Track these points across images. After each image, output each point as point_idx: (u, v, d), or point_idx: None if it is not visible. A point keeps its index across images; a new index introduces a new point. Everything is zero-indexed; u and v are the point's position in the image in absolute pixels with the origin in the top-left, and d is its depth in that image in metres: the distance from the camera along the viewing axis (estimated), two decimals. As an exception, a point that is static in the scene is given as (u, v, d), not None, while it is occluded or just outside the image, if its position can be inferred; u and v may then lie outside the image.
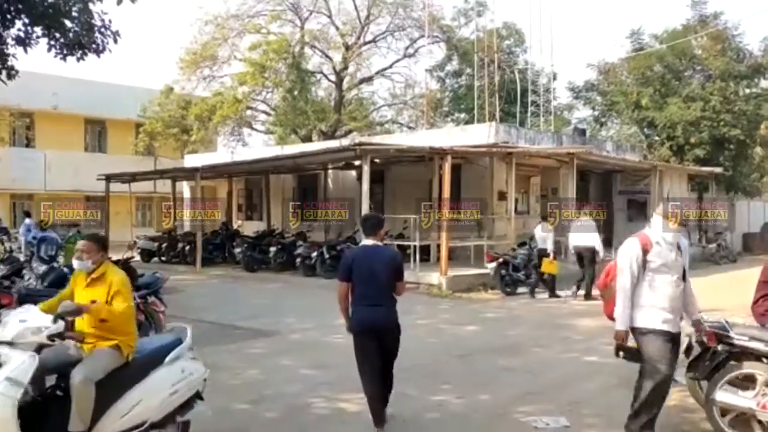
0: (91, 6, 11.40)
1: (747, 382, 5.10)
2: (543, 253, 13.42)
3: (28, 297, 7.17)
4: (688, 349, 5.87)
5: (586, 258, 13.22)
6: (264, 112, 33.69)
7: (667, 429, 5.48)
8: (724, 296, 10.32)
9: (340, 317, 5.45)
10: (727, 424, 5.09)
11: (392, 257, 5.54)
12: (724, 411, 5.11)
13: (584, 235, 13.29)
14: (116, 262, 8.50)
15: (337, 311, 5.51)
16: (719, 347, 5.30)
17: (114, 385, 4.25)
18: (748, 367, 5.10)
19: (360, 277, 5.27)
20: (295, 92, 29.95)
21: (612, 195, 22.74)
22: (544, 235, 13.60)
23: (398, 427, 5.45)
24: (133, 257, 9.69)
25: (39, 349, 4.15)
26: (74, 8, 11.29)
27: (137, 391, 4.32)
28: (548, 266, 13.36)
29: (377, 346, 5.27)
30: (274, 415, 5.86)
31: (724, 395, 5.08)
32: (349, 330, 5.40)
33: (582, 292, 13.20)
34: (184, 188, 26.39)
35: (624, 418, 5.72)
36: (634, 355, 6.65)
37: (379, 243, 5.56)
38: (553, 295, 13.44)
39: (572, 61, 56.85)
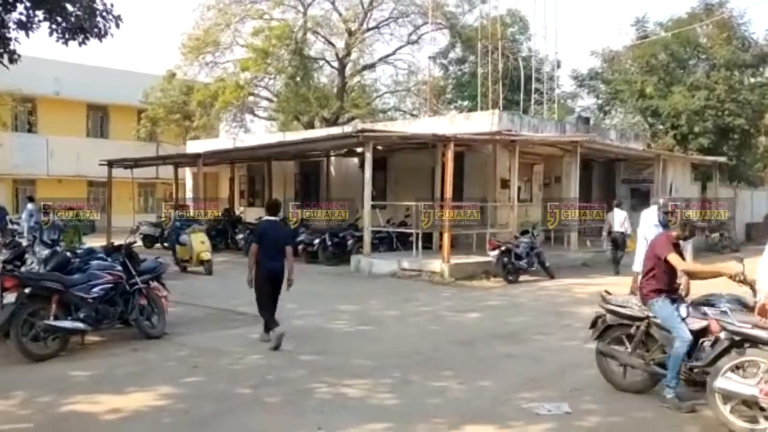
0: (92, -10, 11.31)
1: (740, 369, 5.14)
2: (618, 235, 15.04)
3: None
4: (594, 323, 6.18)
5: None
6: (266, 98, 33.55)
7: (663, 418, 5.48)
8: (724, 284, 10.33)
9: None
10: (728, 411, 5.09)
11: (287, 230, 8.58)
12: (725, 398, 5.11)
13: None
14: (118, 247, 8.54)
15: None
16: (722, 335, 5.30)
17: None
18: (751, 355, 5.10)
19: (267, 242, 7.81)
20: (298, 79, 29.79)
21: (615, 184, 22.67)
22: (621, 220, 15.14)
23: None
24: (135, 242, 9.64)
25: None
26: (76, -8, 11.20)
27: None
28: (633, 244, 14.69)
29: (270, 286, 7.84)
30: (276, 399, 5.88)
31: (727, 383, 5.08)
32: (250, 283, 7.79)
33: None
34: (186, 174, 26.36)
35: (625, 404, 5.73)
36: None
37: (278, 219, 8.44)
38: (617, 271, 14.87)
39: (576, 49, 56.48)
